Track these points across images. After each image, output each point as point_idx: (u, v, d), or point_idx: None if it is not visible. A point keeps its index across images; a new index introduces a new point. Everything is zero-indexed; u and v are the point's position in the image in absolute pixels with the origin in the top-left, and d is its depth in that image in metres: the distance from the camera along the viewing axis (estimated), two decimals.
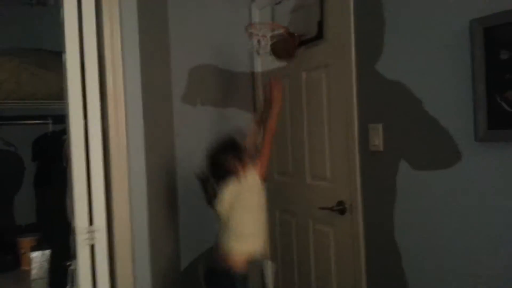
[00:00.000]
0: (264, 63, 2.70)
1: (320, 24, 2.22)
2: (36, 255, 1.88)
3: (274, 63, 2.52)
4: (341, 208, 2.07)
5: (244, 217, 1.89)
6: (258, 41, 2.36)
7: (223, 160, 1.87)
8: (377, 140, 1.87)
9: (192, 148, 2.55)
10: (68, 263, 1.53)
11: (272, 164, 2.66)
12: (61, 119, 1.84)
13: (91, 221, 1.46)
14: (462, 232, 1.55)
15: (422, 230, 1.69)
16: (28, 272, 1.96)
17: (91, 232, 1.44)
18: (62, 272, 1.60)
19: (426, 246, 1.68)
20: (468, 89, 1.50)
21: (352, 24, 1.98)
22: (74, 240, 1.50)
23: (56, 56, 1.86)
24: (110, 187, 1.57)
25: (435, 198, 1.64)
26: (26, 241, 2.08)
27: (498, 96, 1.41)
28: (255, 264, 1.91)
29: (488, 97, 1.44)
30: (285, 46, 2.41)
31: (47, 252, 1.89)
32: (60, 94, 1.79)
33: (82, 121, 1.45)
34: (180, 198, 2.51)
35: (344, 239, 2.09)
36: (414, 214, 1.72)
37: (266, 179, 2.00)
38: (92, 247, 1.46)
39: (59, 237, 1.83)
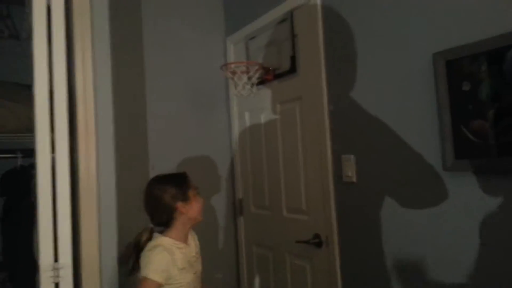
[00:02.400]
0: (240, 99, 2.73)
1: (293, 59, 2.27)
2: None
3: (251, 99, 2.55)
4: (317, 241, 2.05)
5: None
6: (236, 84, 2.41)
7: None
8: (350, 171, 1.88)
9: None
10: None
11: (249, 197, 2.65)
12: (31, 153, 1.80)
13: (56, 258, 1.40)
14: (436, 260, 1.54)
15: (397, 260, 1.69)
16: None
17: (56, 269, 1.38)
18: None
19: (401, 275, 1.67)
20: (434, 119, 1.53)
21: (322, 58, 2.04)
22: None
23: (27, 89, 1.85)
24: (79, 223, 1.53)
25: (407, 228, 1.64)
26: None
27: (463, 126, 1.45)
28: None
29: (454, 127, 1.47)
30: None
31: None
32: (30, 127, 1.76)
33: (49, 155, 1.42)
34: None
35: (321, 273, 2.06)
36: (389, 244, 1.72)
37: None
38: (57, 286, 1.39)
39: (25, 276, 1.75)
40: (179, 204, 1.64)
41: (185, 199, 1.65)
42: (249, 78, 2.43)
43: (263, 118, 2.54)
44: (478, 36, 1.39)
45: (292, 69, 2.28)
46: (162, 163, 2.52)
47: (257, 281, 2.59)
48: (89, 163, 1.56)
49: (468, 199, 1.44)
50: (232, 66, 2.45)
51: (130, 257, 1.59)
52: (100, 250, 1.54)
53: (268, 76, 2.47)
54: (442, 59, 1.50)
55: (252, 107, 2.63)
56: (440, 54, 1.51)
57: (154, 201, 1.65)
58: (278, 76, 2.40)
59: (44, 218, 1.39)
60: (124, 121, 2.36)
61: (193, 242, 1.76)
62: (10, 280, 1.96)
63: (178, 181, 1.70)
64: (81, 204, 1.53)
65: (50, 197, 1.40)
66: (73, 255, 1.49)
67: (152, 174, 2.48)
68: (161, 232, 1.65)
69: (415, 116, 1.62)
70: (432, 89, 1.54)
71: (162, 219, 1.65)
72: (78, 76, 1.62)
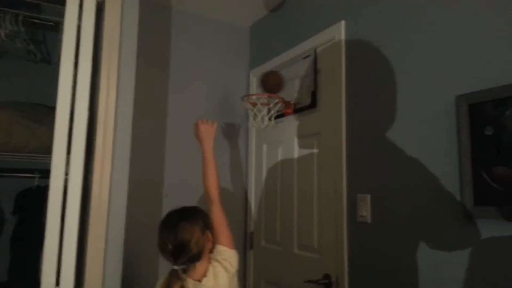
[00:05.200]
0: (258, 131, 2.73)
1: (314, 94, 2.27)
2: None
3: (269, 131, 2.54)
4: (327, 282, 1.97)
5: None
6: (255, 115, 2.42)
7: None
8: (365, 211, 1.83)
9: None
10: None
11: (260, 230, 2.60)
12: (48, 174, 1.82)
13: (58, 282, 1.38)
14: None
15: None
16: None
17: None
18: None
19: None
20: (455, 163, 1.48)
21: (343, 95, 2.02)
22: None
23: (53, 111, 1.89)
24: (86, 248, 1.51)
25: (421, 274, 1.56)
26: None
27: (484, 172, 1.40)
28: None
29: (474, 173, 1.42)
30: (275, 81, 2.47)
31: None
32: (50, 149, 1.79)
33: (63, 176, 1.43)
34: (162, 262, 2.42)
35: None
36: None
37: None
38: None
39: None
40: (209, 235, 1.55)
41: (210, 228, 1.58)
42: (269, 111, 2.43)
43: (280, 151, 2.52)
44: (503, 80, 1.36)
45: (313, 104, 2.28)
46: (176, 192, 2.52)
47: None
48: (102, 187, 1.56)
49: (487, 248, 1.37)
50: (253, 97, 2.46)
51: None
52: (104, 276, 1.51)
53: (288, 109, 2.46)
54: (465, 102, 1.47)
55: (270, 139, 2.62)
56: (464, 97, 1.47)
57: (188, 233, 1.49)
58: (298, 110, 2.39)
59: (50, 239, 1.38)
60: (142, 147, 2.38)
61: None
62: None
63: (204, 212, 1.63)
64: (89, 229, 1.52)
65: (59, 219, 1.39)
66: (77, 279, 1.47)
67: (165, 202, 2.49)
68: (192, 270, 1.51)
69: (435, 159, 1.57)
70: (454, 132, 1.50)
71: (194, 254, 1.48)
72: (101, 100, 1.64)
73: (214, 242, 1.59)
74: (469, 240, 1.42)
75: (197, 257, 1.49)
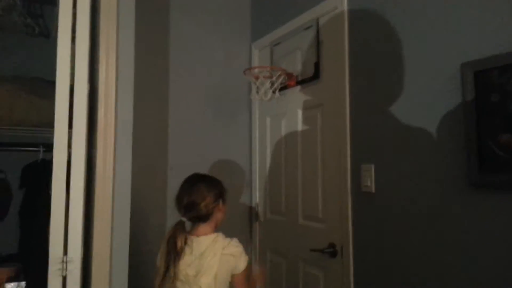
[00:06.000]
0: (262, 104, 2.72)
1: (317, 65, 2.25)
2: (11, 287, 1.80)
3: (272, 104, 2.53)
4: (332, 251, 2.01)
5: None
6: (258, 88, 2.40)
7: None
8: (369, 181, 1.84)
9: None
10: None
11: (266, 202, 2.63)
12: (52, 147, 1.82)
13: (66, 252, 1.40)
14: (454, 274, 1.48)
15: (414, 273, 1.62)
16: None
17: (64, 262, 1.37)
18: None
19: None
20: (460, 132, 1.48)
21: (347, 66, 2.00)
22: None
23: (52, 85, 1.88)
24: (92, 218, 1.53)
25: (425, 242, 1.58)
26: (3, 272, 2.01)
27: (489, 140, 1.39)
28: None
29: (480, 141, 1.42)
30: None
31: (23, 284, 1.81)
32: (53, 122, 1.79)
33: (66, 149, 1.43)
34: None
35: (334, 283, 2.01)
36: (405, 257, 1.66)
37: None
38: (65, 279, 1.39)
39: (39, 269, 1.76)
40: (220, 203, 1.75)
41: (225, 201, 1.78)
42: (272, 83, 2.42)
43: (284, 124, 2.51)
44: (510, 47, 1.34)
45: (315, 76, 2.26)
46: (181, 164, 2.53)
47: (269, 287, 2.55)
48: (106, 159, 1.56)
49: (491, 216, 1.38)
50: (255, 70, 2.45)
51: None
52: (112, 246, 1.54)
53: (291, 81, 2.45)
54: (470, 69, 1.45)
55: (274, 112, 2.61)
56: (469, 65, 1.46)
57: (203, 196, 1.70)
58: (301, 82, 2.37)
59: (56, 211, 1.39)
60: (145, 121, 2.37)
61: None
62: (23, 272, 1.98)
63: (220, 182, 1.81)
64: (96, 199, 1.54)
65: (64, 190, 1.40)
66: (85, 250, 1.49)
67: (171, 175, 2.51)
68: (196, 228, 1.72)
69: (440, 127, 1.56)
70: (459, 100, 1.49)
71: (206, 213, 1.69)
72: (101, 73, 1.63)
73: (221, 220, 1.77)
74: (474, 209, 1.43)
75: (203, 218, 1.69)
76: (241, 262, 1.68)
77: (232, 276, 1.69)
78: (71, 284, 1.40)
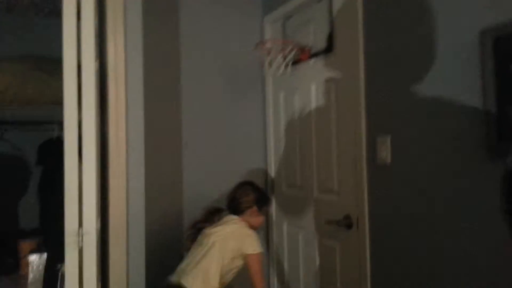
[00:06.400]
0: (275, 79, 2.70)
1: (330, 37, 2.22)
2: (33, 258, 1.87)
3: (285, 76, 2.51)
4: (347, 223, 2.02)
5: (214, 262, 2.02)
6: (270, 63, 2.38)
7: (240, 198, 2.22)
8: (385, 153, 1.82)
9: (201, 158, 2.55)
10: (59, 266, 1.50)
11: (281, 176, 2.64)
12: None
13: (81, 224, 1.43)
14: (469, 248, 1.48)
15: (430, 244, 1.63)
16: (26, 276, 1.94)
17: (80, 235, 1.40)
18: (57, 276, 1.57)
19: (433, 263, 1.61)
20: (479, 100, 1.45)
21: (361, 37, 1.97)
22: None
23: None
24: (108, 192, 1.55)
25: (442, 213, 1.58)
26: (26, 245, 2.07)
27: (509, 108, 1.37)
28: None
29: (498, 109, 1.39)
30: None
31: (44, 255, 1.87)
32: None
33: (76, 124, 1.44)
34: (186, 208, 2.49)
35: (350, 254, 2.03)
36: (421, 228, 1.66)
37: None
38: (82, 250, 1.42)
39: (59, 242, 1.81)
40: (254, 207, 2.21)
41: (260, 209, 2.23)
42: (284, 57, 2.39)
43: (297, 98, 2.50)
44: None
45: (329, 48, 2.23)
46: (195, 141, 2.55)
47: (286, 259, 2.59)
48: (118, 134, 1.59)
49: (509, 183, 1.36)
50: (267, 44, 2.42)
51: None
52: (128, 219, 1.57)
53: (304, 55, 2.42)
54: (490, 36, 1.41)
55: (287, 87, 2.59)
56: (488, 32, 1.41)
57: (243, 196, 2.22)
58: (314, 55, 2.34)
59: (70, 185, 1.42)
60: (157, 97, 2.37)
61: None
62: (45, 244, 2.05)
63: (266, 197, 2.36)
64: (110, 174, 1.56)
65: (77, 166, 1.42)
66: (102, 222, 1.52)
67: (185, 150, 2.52)
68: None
69: (458, 96, 1.54)
70: (478, 68, 1.45)
71: (238, 208, 2.20)
72: (110, 49, 1.63)
73: (253, 224, 2.20)
74: (492, 177, 1.42)
75: (235, 210, 2.20)
76: (245, 244, 2.07)
77: (244, 257, 2.07)
78: (87, 255, 1.43)
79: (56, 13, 2.63)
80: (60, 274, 1.52)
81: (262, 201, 2.24)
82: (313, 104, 2.36)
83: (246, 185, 2.28)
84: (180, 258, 2.18)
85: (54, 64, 2.11)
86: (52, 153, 2.22)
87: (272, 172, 2.74)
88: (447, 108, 1.57)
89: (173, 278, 1.99)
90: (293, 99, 2.53)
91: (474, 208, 1.47)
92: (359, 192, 1.96)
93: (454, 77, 1.54)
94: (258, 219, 2.22)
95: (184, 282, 1.95)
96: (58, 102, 2.05)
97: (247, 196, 2.21)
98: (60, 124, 2.24)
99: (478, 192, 1.46)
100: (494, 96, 1.41)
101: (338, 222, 2.05)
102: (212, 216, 2.23)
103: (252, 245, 2.08)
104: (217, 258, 2.02)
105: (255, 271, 2.04)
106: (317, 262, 2.29)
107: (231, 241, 2.08)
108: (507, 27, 1.37)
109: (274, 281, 2.70)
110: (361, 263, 1.93)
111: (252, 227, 2.17)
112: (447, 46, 1.57)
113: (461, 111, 1.52)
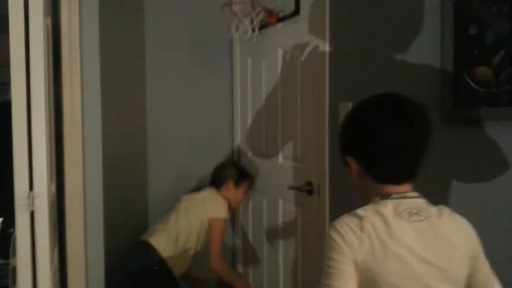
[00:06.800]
0: (242, 45, 2.64)
1: (297, 0, 2.16)
2: None
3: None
4: (309, 189, 2.03)
5: (181, 224, 2.12)
6: (237, 27, 2.31)
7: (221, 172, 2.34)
8: None
9: (166, 123, 2.51)
10: (11, 230, 1.47)
11: (247, 143, 2.62)
12: None
13: (32, 187, 1.39)
14: None
15: None
16: None
17: (31, 198, 1.37)
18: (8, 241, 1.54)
19: None
20: (437, 66, 1.44)
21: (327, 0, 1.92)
22: None
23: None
24: (63, 154, 1.51)
25: None
26: None
27: (465, 73, 1.36)
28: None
29: (455, 74, 1.39)
30: None
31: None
32: None
33: (24, 84, 1.37)
34: (150, 175, 2.46)
35: (310, 219, 2.05)
36: None
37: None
38: (33, 214, 1.39)
39: (6, 205, 1.77)
40: (231, 182, 2.29)
41: (238, 185, 2.31)
42: (251, 21, 2.33)
43: (265, 64, 2.46)
44: None
45: (296, 11, 2.17)
46: (160, 105, 2.49)
47: (250, 223, 2.62)
48: (73, 96, 1.53)
49: (465, 150, 1.38)
50: (233, 7, 2.34)
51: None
52: (85, 182, 1.54)
53: (272, 19, 2.36)
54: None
55: (254, 53, 2.54)
56: None
57: (221, 171, 2.35)
58: (282, 19, 2.29)
59: (19, 146, 1.37)
60: (118, 62, 2.29)
61: None
62: None
63: (246, 174, 2.39)
64: (65, 138, 1.51)
65: (25, 125, 1.37)
66: (59, 186, 1.49)
67: (150, 115, 2.47)
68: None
69: (418, 60, 1.52)
70: (439, 31, 1.43)
71: (216, 182, 2.32)
72: (63, 7, 1.54)
73: (231, 200, 2.30)
74: (448, 143, 1.43)
75: (213, 182, 2.33)
76: (211, 209, 2.14)
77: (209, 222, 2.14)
78: (39, 218, 1.39)
79: None
80: (12, 239, 1.49)
81: (240, 177, 2.31)
82: (280, 71, 2.32)
83: (227, 162, 2.48)
84: (142, 221, 2.21)
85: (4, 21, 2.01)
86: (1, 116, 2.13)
87: (238, 139, 2.72)
88: (408, 75, 1.56)
89: (143, 237, 2.09)
90: (261, 64, 2.49)
91: (432, 173, 1.49)
92: (320, 159, 1.96)
93: (417, 43, 1.53)
94: (236, 196, 2.29)
95: (150, 240, 2.03)
96: (5, 62, 1.97)
97: (225, 171, 2.32)
98: (6, 85, 2.16)
99: (435, 158, 1.47)
100: (452, 61, 1.40)
101: (300, 188, 2.06)
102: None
103: (217, 210, 2.14)
104: (184, 221, 2.11)
105: (215, 236, 2.08)
106: (280, 226, 2.32)
107: (199, 206, 2.17)
108: None
109: (239, 244, 2.73)
110: (320, 228, 1.96)
111: (231, 203, 2.26)
112: (411, 10, 1.54)
113: (421, 78, 1.52)
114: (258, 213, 2.53)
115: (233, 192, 2.28)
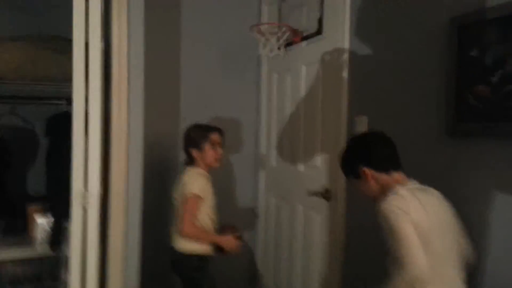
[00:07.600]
0: (269, 61, 2.84)
1: (320, 21, 2.33)
2: (41, 221, 2.07)
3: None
4: (327, 195, 2.19)
5: (181, 215, 2.06)
6: (265, 45, 2.50)
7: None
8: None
9: None
10: (64, 226, 1.70)
11: (271, 153, 2.81)
12: None
13: (86, 187, 1.63)
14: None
15: None
16: (33, 236, 2.17)
17: (85, 196, 1.60)
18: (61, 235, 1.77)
19: None
20: (442, 85, 1.59)
21: (347, 20, 2.09)
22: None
23: (71, 42, 2.04)
24: (110, 160, 1.74)
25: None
26: (34, 209, 2.29)
27: (466, 91, 1.50)
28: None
29: (458, 92, 1.53)
30: None
31: (51, 218, 2.08)
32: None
33: (83, 100, 1.62)
34: None
35: (329, 224, 2.21)
36: None
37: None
38: (86, 210, 1.63)
39: (64, 207, 2.01)
40: (193, 150, 2.15)
41: (198, 147, 2.13)
42: (278, 39, 2.52)
43: (289, 79, 2.63)
44: (491, 1, 1.42)
45: (319, 31, 2.34)
46: (193, 116, 2.70)
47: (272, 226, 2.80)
48: (121, 108, 1.75)
49: (466, 162, 1.51)
50: (261, 27, 2.53)
51: None
52: (128, 183, 1.76)
53: (296, 38, 2.54)
54: (455, 24, 1.54)
55: (280, 69, 2.73)
56: (454, 19, 1.54)
57: (184, 142, 2.20)
58: (306, 38, 2.47)
59: (77, 153, 1.62)
60: (157, 76, 2.53)
61: None
62: (51, 210, 2.25)
63: (198, 133, 2.17)
64: (112, 144, 1.74)
65: (83, 137, 1.61)
66: (105, 187, 1.71)
67: (183, 124, 2.69)
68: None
69: (426, 80, 1.67)
70: (444, 54, 1.58)
71: (186, 161, 2.19)
72: (114, 29, 1.77)
73: (207, 161, 2.14)
74: (450, 156, 1.57)
75: (187, 162, 2.18)
76: (187, 186, 2.05)
77: None
78: (91, 213, 1.63)
79: None
80: (65, 231, 1.73)
81: (196, 141, 2.14)
82: (303, 86, 2.49)
83: (183, 137, 2.22)
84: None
85: (62, 43, 2.28)
86: (59, 126, 2.40)
87: (263, 149, 2.92)
88: (416, 92, 1.71)
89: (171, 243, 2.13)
90: (286, 80, 2.67)
91: (435, 181, 1.62)
92: (337, 167, 2.10)
93: (425, 63, 1.68)
94: (206, 157, 2.13)
95: (173, 244, 2.12)
96: (65, 79, 2.23)
97: (185, 146, 2.18)
98: (67, 99, 2.43)
99: (439, 168, 1.61)
100: (454, 80, 1.54)
101: (317, 194, 2.24)
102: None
103: (191, 186, 2.04)
104: (182, 211, 2.06)
105: (185, 209, 2.02)
106: (299, 230, 2.49)
107: (182, 190, 2.09)
108: (469, 15, 1.49)
109: (262, 245, 2.91)
110: (337, 232, 2.12)
111: (208, 164, 2.14)
112: (419, 32, 1.70)
113: (427, 94, 1.66)
114: (280, 219, 2.71)
115: (201, 156, 2.12)
